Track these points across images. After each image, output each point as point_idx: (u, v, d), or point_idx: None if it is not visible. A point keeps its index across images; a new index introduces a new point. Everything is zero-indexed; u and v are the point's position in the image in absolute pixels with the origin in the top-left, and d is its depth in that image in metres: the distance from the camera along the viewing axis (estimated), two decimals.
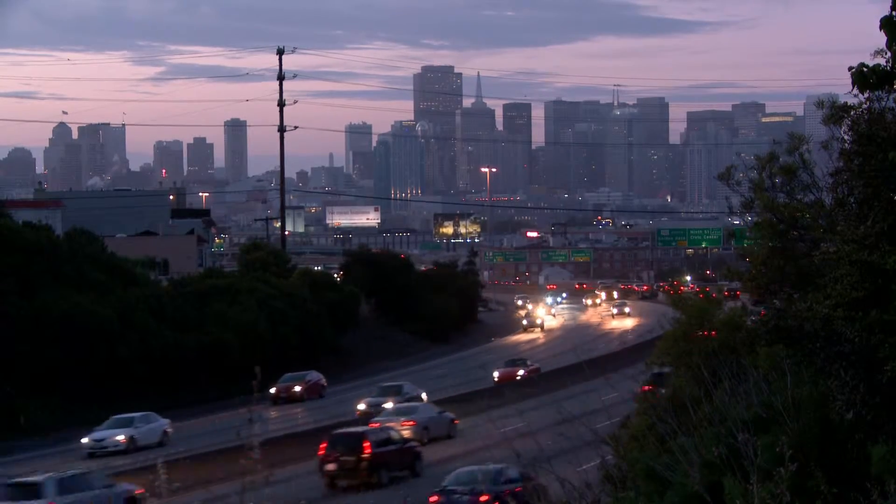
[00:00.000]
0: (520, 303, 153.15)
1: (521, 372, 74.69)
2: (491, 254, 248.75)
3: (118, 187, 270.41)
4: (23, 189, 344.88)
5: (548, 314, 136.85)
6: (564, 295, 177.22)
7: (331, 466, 43.37)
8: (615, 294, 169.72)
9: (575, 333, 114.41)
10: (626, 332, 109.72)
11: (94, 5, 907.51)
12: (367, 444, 43.61)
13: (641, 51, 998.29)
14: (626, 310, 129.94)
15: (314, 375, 74.46)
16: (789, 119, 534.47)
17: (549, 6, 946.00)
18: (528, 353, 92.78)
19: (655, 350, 30.91)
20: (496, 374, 75.53)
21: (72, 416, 66.26)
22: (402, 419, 51.54)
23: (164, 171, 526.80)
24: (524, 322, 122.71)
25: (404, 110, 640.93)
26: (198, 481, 36.83)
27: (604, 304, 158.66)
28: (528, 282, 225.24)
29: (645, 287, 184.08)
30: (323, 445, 44.22)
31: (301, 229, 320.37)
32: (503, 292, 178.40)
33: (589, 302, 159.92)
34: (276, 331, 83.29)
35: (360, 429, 47.12)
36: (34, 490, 37.68)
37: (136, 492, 39.22)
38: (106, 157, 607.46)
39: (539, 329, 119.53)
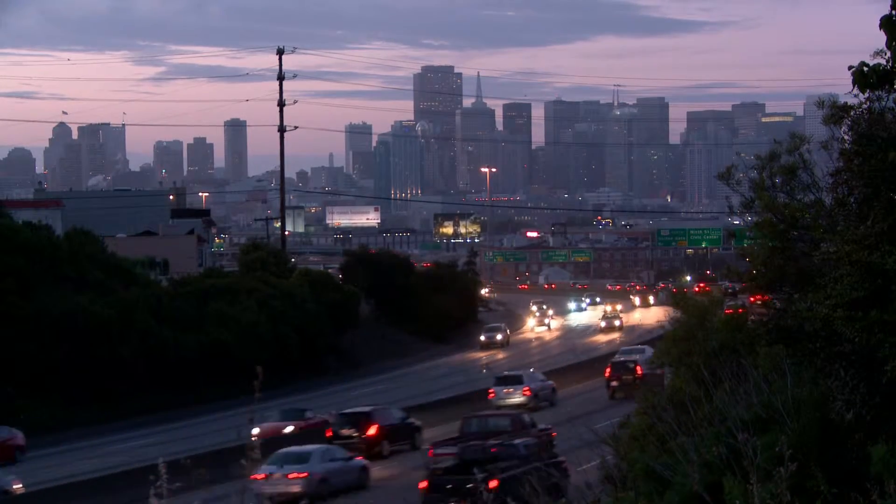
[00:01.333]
0: (534, 308, 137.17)
1: (289, 429, 54.92)
2: (491, 254, 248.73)
3: (118, 187, 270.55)
4: (23, 189, 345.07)
5: (539, 325, 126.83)
6: (598, 299, 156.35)
7: (614, 383, 65.18)
8: (651, 299, 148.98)
9: (547, 349, 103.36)
10: (612, 341, 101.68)
11: (103, 5, 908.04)
12: (639, 368, 63.89)
13: (641, 51, 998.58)
14: (617, 323, 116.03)
15: (2, 433, 55.80)
16: (789, 119, 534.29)
17: (549, 6, 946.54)
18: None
19: (655, 350, 30.90)
20: (256, 430, 55.92)
21: (72, 416, 66.35)
22: (636, 356, 69.47)
23: (164, 171, 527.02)
24: (481, 338, 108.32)
25: (404, 110, 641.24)
26: None
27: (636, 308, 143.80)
28: (528, 282, 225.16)
29: (699, 287, 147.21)
30: (608, 369, 66.73)
31: (301, 229, 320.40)
32: (505, 292, 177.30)
33: (608, 309, 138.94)
34: (276, 331, 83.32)
35: (633, 357, 68.46)
36: (518, 379, 63.88)
37: (553, 385, 65.86)
38: (106, 157, 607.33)
39: (499, 347, 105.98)
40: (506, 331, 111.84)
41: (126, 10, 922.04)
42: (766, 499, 10.85)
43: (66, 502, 42.21)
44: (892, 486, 10.94)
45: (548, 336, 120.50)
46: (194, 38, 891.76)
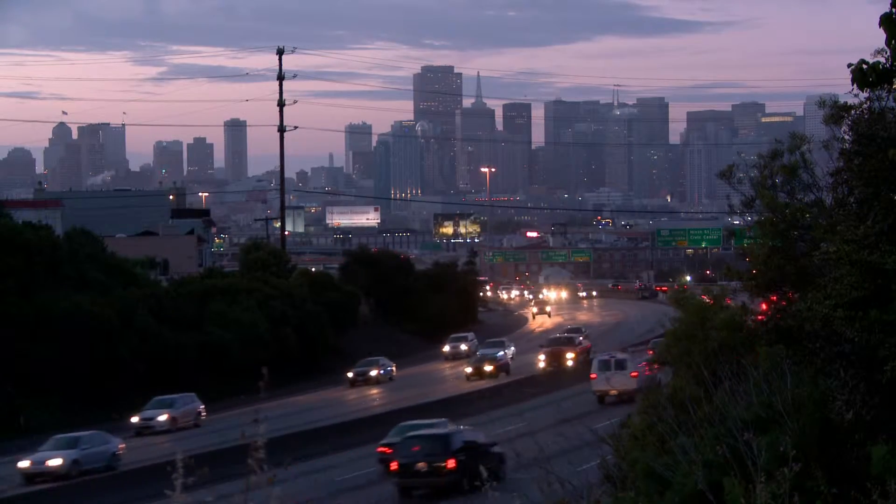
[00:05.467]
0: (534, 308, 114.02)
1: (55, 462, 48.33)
2: (491, 254, 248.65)
3: (118, 187, 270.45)
4: (23, 189, 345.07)
5: (540, 313, 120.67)
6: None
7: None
8: None
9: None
10: None
11: (133, 7, 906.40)
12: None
13: (641, 51, 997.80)
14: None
15: None
16: (789, 119, 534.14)
17: (550, 6, 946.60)
18: None
19: (655, 350, 30.90)
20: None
21: (72, 416, 66.25)
22: None
23: (164, 171, 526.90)
24: (445, 349, 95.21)
25: (404, 110, 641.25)
26: None
27: None
28: (527, 281, 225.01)
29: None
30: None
31: (301, 229, 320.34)
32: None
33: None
34: (276, 331, 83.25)
35: None
36: (622, 363, 62.15)
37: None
38: (106, 157, 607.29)
39: (464, 358, 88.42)
40: (472, 340, 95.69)
41: (149, 13, 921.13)
42: (768, 499, 10.84)
43: (68, 501, 42.22)
44: (892, 486, 10.94)
45: (548, 322, 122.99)
46: (195, 38, 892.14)
